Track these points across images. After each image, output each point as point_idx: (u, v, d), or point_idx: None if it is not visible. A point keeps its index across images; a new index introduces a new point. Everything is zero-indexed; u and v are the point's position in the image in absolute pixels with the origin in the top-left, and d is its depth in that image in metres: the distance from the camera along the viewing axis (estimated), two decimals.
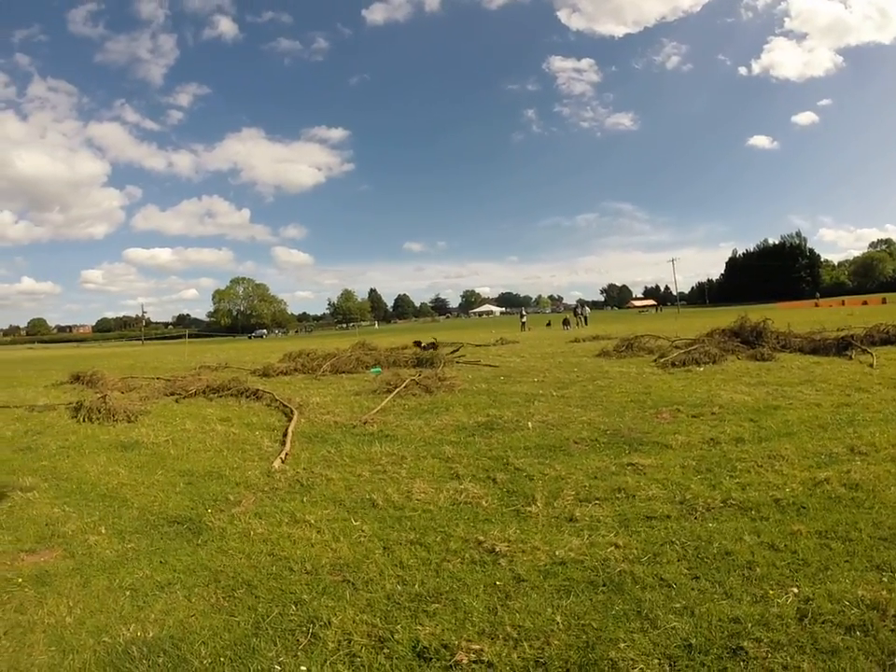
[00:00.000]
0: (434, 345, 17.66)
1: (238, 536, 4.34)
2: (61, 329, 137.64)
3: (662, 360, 12.04)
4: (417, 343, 18.85)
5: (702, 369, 10.94)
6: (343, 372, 13.76)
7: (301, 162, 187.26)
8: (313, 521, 4.49)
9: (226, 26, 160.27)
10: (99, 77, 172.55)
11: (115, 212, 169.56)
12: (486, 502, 4.73)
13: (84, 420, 9.26)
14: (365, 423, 7.76)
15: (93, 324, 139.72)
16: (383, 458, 6.09)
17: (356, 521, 4.46)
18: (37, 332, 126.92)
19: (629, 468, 5.28)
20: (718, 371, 10.66)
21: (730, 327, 14.37)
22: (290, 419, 8.22)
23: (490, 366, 13.76)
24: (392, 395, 9.47)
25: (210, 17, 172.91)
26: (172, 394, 11.75)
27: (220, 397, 11.12)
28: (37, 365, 24.52)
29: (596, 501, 4.57)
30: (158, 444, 7.43)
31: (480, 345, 21.92)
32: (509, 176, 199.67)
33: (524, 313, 54.89)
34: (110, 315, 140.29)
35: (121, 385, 13.62)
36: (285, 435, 7.28)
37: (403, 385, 9.99)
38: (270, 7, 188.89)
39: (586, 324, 42.97)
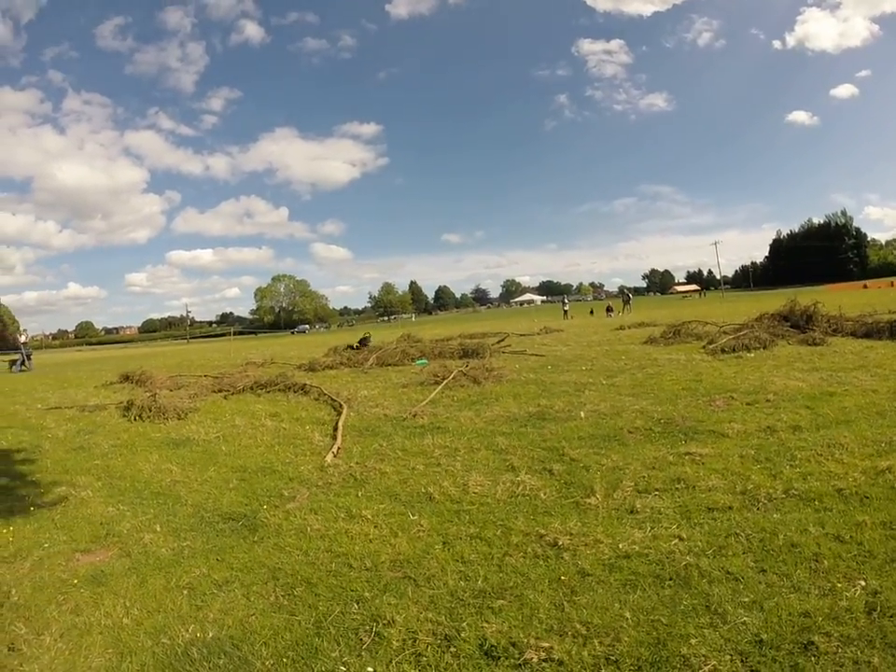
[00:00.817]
0: (366, 340, 17.28)
1: (294, 532, 4.22)
2: (108, 331, 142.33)
3: (711, 347, 11.59)
4: (356, 345, 17.88)
5: (752, 354, 10.55)
6: (389, 365, 13.67)
7: (335, 159, 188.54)
8: (369, 516, 4.33)
9: (252, 30, 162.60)
10: (131, 87, 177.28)
11: (155, 216, 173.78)
12: (544, 494, 4.51)
13: (135, 419, 9.35)
14: (415, 415, 7.60)
15: (139, 325, 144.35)
16: (436, 451, 5.91)
17: (413, 515, 4.29)
18: (85, 335, 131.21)
19: (686, 457, 5.04)
20: (769, 356, 10.26)
21: (779, 311, 13.76)
22: (340, 413, 8.12)
23: (536, 355, 13.46)
24: (440, 387, 9.30)
25: (236, 22, 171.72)
26: (220, 391, 11.82)
27: (268, 392, 11.14)
28: (87, 366, 25.20)
29: (656, 492, 4.35)
30: (209, 441, 7.42)
31: (524, 335, 21.56)
32: (543, 164, 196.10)
33: (566, 301, 54.01)
34: (155, 315, 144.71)
35: (170, 383, 13.80)
36: (335, 429, 7.17)
37: (451, 377, 9.80)
38: (294, 8, 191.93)
39: (630, 311, 42.00)
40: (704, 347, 11.89)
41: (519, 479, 4.81)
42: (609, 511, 4.11)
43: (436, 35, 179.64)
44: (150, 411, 9.52)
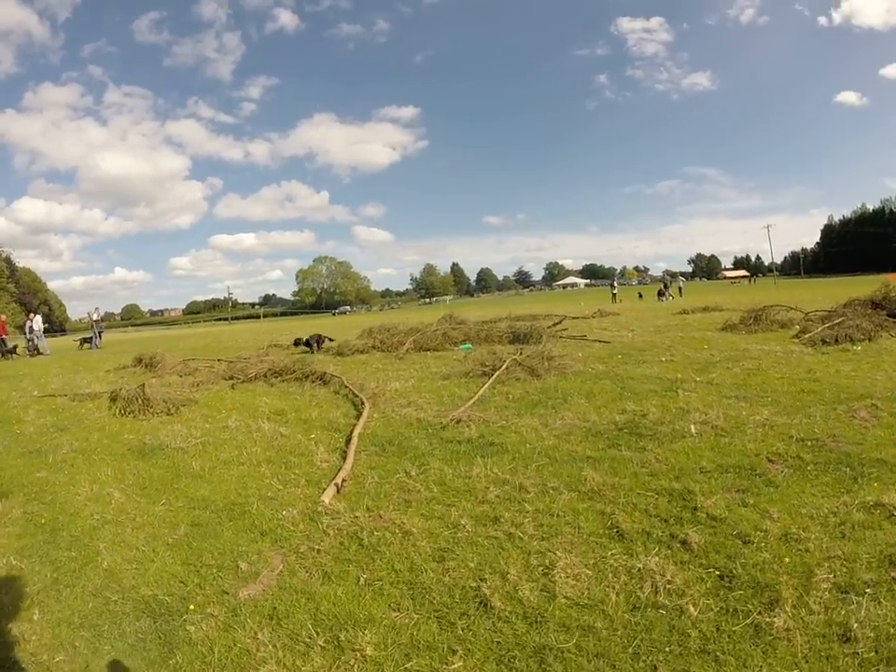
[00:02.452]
0: (319, 340, 13.77)
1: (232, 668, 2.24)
2: (153, 313, 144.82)
3: (807, 337, 9.73)
4: (297, 342, 14.58)
5: (859, 347, 8.75)
6: (428, 350, 11.65)
7: (374, 143, 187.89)
8: (372, 647, 2.30)
9: (287, 18, 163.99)
10: (170, 79, 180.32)
11: (198, 202, 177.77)
12: (693, 604, 2.46)
13: (119, 413, 7.67)
14: (458, 421, 5.57)
15: (183, 307, 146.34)
16: (490, 490, 3.84)
17: (455, 650, 2.24)
18: (131, 317, 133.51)
19: (879, 512, 3.19)
20: (881, 350, 8.44)
21: (871, 297, 11.72)
22: (359, 415, 6.17)
23: (601, 341, 11.24)
24: (491, 380, 7.20)
25: (270, 11, 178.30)
26: (230, 378, 10.10)
27: (283, 381, 9.32)
28: (115, 347, 23.99)
29: (869, 591, 2.47)
30: (184, 450, 5.59)
31: (577, 318, 19.28)
32: (584, 145, 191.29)
33: (615, 284, 51.16)
34: (200, 298, 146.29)
35: (180, 367, 12.26)
36: (348, 441, 5.20)
37: (503, 367, 7.69)
38: None
39: (681, 295, 39.81)
40: (797, 337, 10.17)
41: (639, 564, 2.74)
42: (811, 643, 2.18)
43: (471, 16, 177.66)
44: (136, 403, 7.79)
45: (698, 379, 7.07)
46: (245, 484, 4.43)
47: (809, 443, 4.38)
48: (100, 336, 25.21)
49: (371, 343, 12.82)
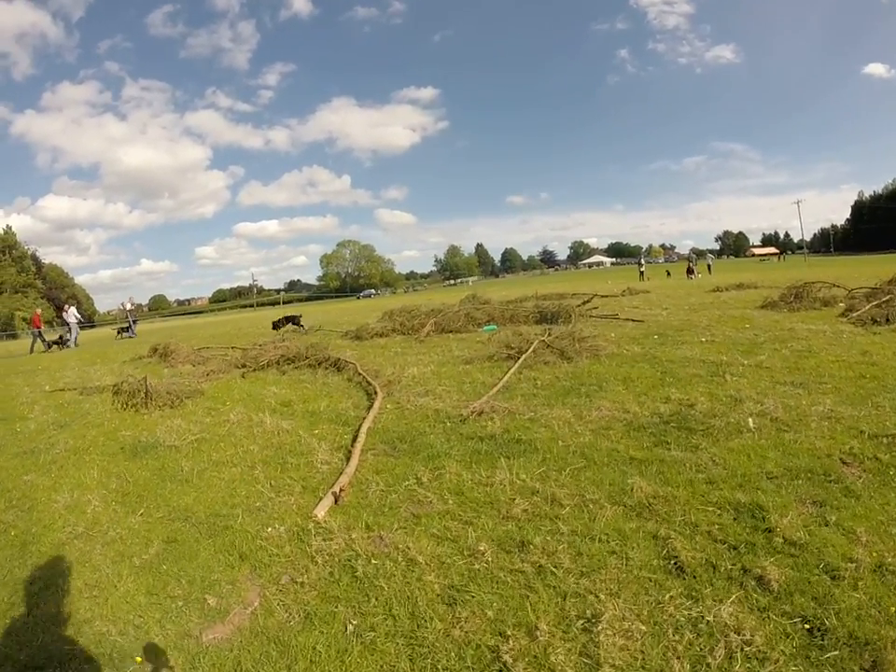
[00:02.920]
0: (295, 320, 14.22)
1: None
2: (180, 302, 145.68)
3: (855, 315, 9.04)
4: (277, 325, 15.42)
5: None
6: (450, 332, 11.01)
7: (394, 125, 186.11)
8: None
9: (300, 4, 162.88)
10: (187, 70, 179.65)
11: (221, 192, 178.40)
12: None
13: (122, 407, 7.24)
14: (480, 413, 4.94)
15: (209, 295, 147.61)
16: (516, 500, 3.20)
17: None
18: (158, 307, 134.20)
19: None
20: None
21: None
22: (371, 406, 5.60)
23: (633, 321, 10.47)
24: (517, 364, 6.55)
25: None
26: (243, 366, 9.63)
27: (296, 368, 8.81)
28: (140, 338, 23.82)
29: None
30: (178, 449, 5.09)
31: (606, 296, 18.42)
32: (606, 121, 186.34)
33: (642, 262, 49.73)
34: (226, 286, 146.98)
35: (194, 357, 11.90)
36: (355, 438, 4.62)
37: (531, 350, 7.02)
38: None
39: (710, 273, 38.25)
40: (843, 315, 9.49)
41: (708, 616, 2.09)
42: None
43: None
44: (139, 396, 7.35)
45: (745, 362, 6.44)
46: (233, 491, 3.89)
47: (885, 441, 3.72)
48: (135, 323, 25.49)
49: (391, 326, 12.22)
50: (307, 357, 8.98)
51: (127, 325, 25.10)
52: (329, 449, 4.52)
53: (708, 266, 41.18)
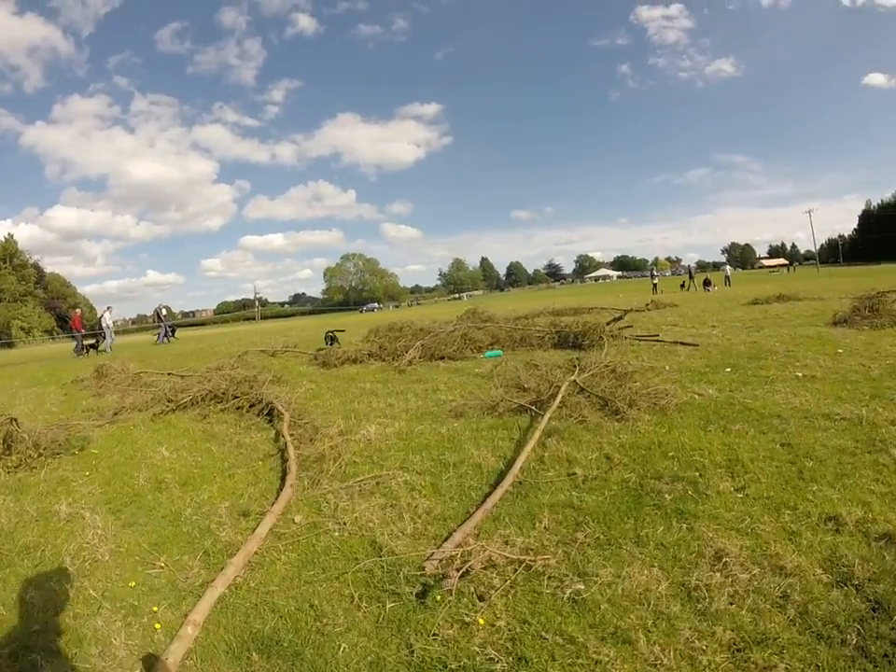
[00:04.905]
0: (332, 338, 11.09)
1: None
2: (185, 314, 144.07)
3: None
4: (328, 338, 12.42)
5: None
6: (441, 358, 8.43)
7: (399, 140, 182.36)
8: None
9: (305, 22, 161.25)
10: (194, 86, 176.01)
11: (227, 205, 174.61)
12: None
13: None
14: (464, 572, 2.31)
15: (214, 307, 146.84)
16: None
17: None
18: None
19: None
20: None
21: None
22: (276, 507, 3.05)
23: (684, 343, 7.90)
24: (538, 432, 3.92)
25: (289, 16, 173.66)
26: (169, 401, 7.20)
27: (223, 410, 6.34)
28: (120, 353, 21.45)
29: None
30: None
31: (629, 310, 15.81)
32: (610, 136, 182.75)
33: (655, 273, 47.58)
34: (231, 298, 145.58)
35: (130, 382, 9.48)
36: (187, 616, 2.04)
37: (556, 403, 4.40)
38: None
39: (728, 285, 36.75)
40: None
41: None
42: None
43: (488, 12, 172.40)
44: None
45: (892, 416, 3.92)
46: None
47: None
48: (170, 331, 25.53)
49: (369, 349, 9.62)
50: (236, 397, 6.45)
51: (164, 331, 25.03)
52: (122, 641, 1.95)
53: (726, 278, 39.25)
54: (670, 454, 3.52)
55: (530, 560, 2.33)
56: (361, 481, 3.46)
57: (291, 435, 4.80)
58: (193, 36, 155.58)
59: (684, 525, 2.65)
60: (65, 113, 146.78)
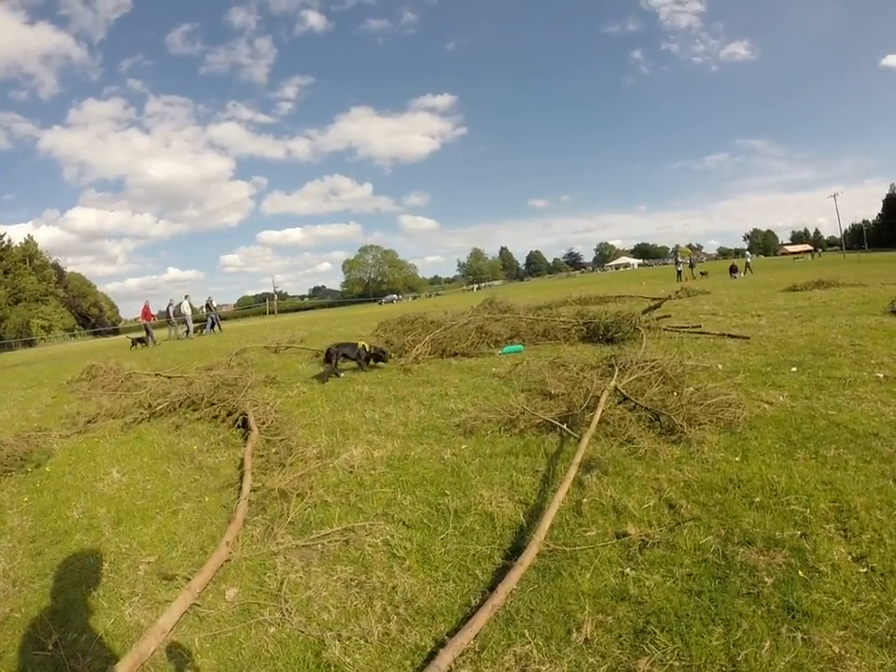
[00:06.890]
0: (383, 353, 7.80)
1: None
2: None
3: None
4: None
5: None
6: (454, 354, 7.47)
7: (413, 133, 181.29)
8: None
9: (315, 19, 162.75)
10: (208, 86, 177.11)
11: (245, 201, 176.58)
12: None
13: None
14: None
15: (234, 302, 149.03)
16: None
17: None
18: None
19: None
20: None
21: None
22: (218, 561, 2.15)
23: (732, 336, 6.83)
24: (576, 461, 2.91)
25: (297, 13, 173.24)
26: (148, 406, 6.45)
27: (198, 419, 5.51)
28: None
29: None
30: None
31: (658, 298, 14.64)
32: (625, 122, 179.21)
33: (679, 260, 46.01)
34: (251, 293, 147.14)
35: (117, 385, 8.87)
36: None
37: (595, 421, 3.39)
38: None
39: (751, 271, 36.24)
40: None
41: None
42: None
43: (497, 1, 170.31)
44: None
45: None
46: None
47: None
48: (216, 321, 26.06)
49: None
50: (212, 405, 5.58)
51: (210, 321, 25.74)
52: None
53: (747, 265, 39.04)
54: (756, 498, 2.53)
55: None
56: (326, 536, 2.53)
57: (261, 457, 3.90)
58: (204, 37, 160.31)
59: (799, 636, 1.68)
60: (81, 117, 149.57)
